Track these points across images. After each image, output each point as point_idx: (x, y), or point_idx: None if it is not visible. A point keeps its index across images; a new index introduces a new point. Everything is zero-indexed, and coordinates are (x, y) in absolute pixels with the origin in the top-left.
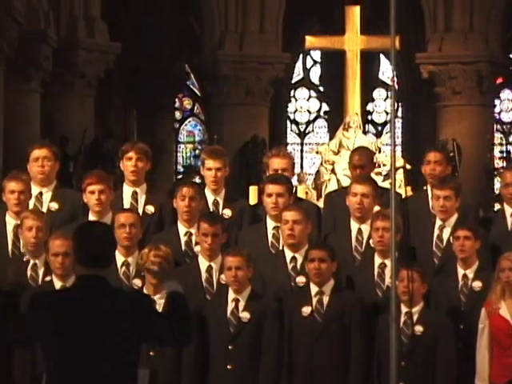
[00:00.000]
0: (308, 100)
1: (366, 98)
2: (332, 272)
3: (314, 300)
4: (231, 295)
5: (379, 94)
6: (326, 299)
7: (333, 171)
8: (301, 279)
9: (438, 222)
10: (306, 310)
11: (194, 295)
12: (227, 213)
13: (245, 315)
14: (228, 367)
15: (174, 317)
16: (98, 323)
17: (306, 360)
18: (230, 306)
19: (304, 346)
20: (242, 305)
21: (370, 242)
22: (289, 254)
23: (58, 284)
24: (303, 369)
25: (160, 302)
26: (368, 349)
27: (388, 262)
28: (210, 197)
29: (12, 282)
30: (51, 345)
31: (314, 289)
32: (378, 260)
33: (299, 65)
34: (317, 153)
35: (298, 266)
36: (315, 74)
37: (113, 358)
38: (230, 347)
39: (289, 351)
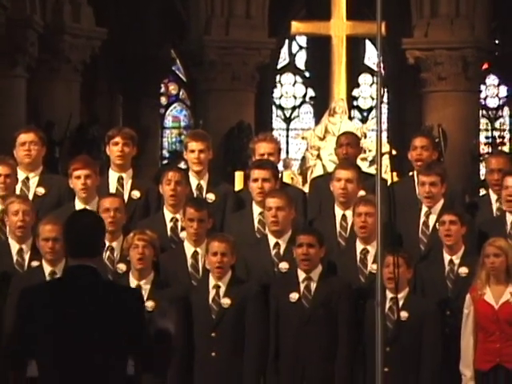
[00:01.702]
0: (294, 85)
1: (352, 83)
2: (320, 258)
3: (302, 286)
4: (212, 282)
5: (365, 79)
6: (313, 285)
7: (318, 157)
8: (284, 265)
9: (424, 209)
10: (294, 296)
11: (179, 281)
12: (210, 197)
13: (226, 301)
14: (212, 354)
15: (157, 349)
16: (86, 315)
17: (294, 346)
18: (212, 292)
19: (291, 331)
20: (222, 291)
21: (356, 227)
22: (272, 240)
23: (47, 269)
24: (290, 354)
25: (146, 288)
26: (355, 334)
27: (370, 248)
28: (193, 181)
29: None
30: (43, 337)
31: (301, 275)
32: (359, 246)
33: (285, 50)
34: (302, 138)
35: (281, 252)
36: (301, 60)
37: (103, 350)
38: (212, 334)
39: (276, 337)
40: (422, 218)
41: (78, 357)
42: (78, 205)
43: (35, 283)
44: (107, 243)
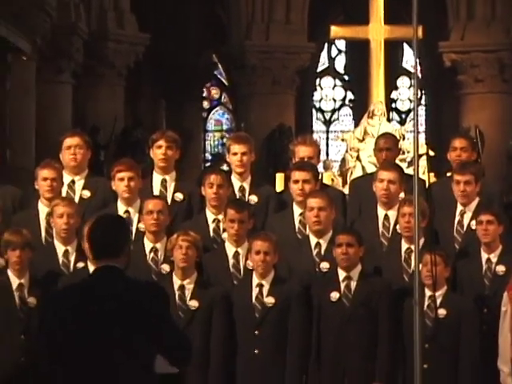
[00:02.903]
0: (333, 89)
1: (390, 86)
2: (359, 257)
3: (342, 285)
4: (255, 280)
5: (403, 82)
6: (353, 284)
7: (358, 158)
8: (325, 265)
9: (459, 208)
10: (334, 295)
11: (221, 281)
12: (253, 199)
13: (269, 300)
14: (255, 352)
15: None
16: (109, 313)
17: (335, 344)
18: (255, 291)
19: (332, 330)
20: (266, 290)
21: (397, 227)
22: (313, 240)
23: (92, 269)
24: (331, 353)
25: (189, 287)
26: (395, 333)
27: (413, 247)
28: (236, 183)
29: None
30: (69, 338)
31: (341, 274)
32: (404, 245)
33: (324, 54)
34: (342, 140)
35: (323, 252)
36: (340, 63)
37: (125, 349)
38: (256, 332)
39: (317, 335)
40: (457, 217)
41: (99, 356)
42: (121, 206)
43: (61, 288)
44: (151, 245)
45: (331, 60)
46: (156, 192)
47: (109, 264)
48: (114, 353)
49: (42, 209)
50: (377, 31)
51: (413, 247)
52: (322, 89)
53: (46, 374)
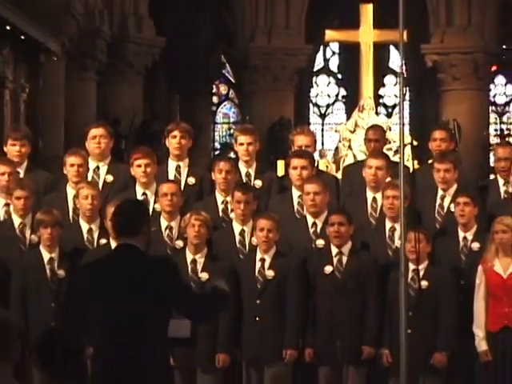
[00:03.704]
0: (328, 86)
1: (378, 83)
2: (350, 234)
3: (335, 260)
4: (258, 255)
5: (389, 80)
6: (345, 259)
7: (349, 147)
8: (320, 242)
9: (440, 192)
10: (328, 268)
11: (229, 255)
12: (258, 183)
13: (269, 273)
14: (257, 319)
15: (208, 299)
16: (129, 285)
17: (328, 312)
18: (258, 265)
19: (326, 300)
20: (267, 263)
21: (384, 208)
22: (310, 220)
23: (114, 245)
24: (325, 319)
25: (200, 261)
26: (381, 302)
27: (397, 226)
28: (243, 169)
29: None
30: (95, 305)
31: (334, 250)
32: (388, 224)
33: (320, 55)
34: (335, 131)
35: (318, 231)
36: (334, 63)
37: (145, 317)
38: (257, 301)
39: (313, 305)
40: (438, 201)
41: (122, 323)
42: (139, 190)
43: (88, 262)
44: (166, 223)
45: (326, 60)
46: (171, 177)
47: (128, 242)
48: (131, 317)
49: (70, 191)
50: (366, 35)
51: (396, 226)
52: (317, 86)
53: (73, 335)
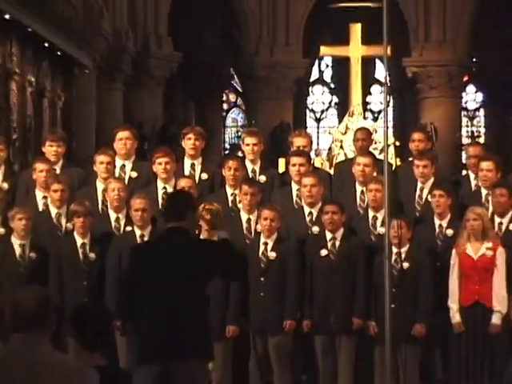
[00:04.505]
0: (322, 94)
1: (366, 92)
2: (342, 222)
3: (329, 244)
4: (262, 240)
5: (375, 89)
6: (337, 243)
7: (341, 147)
8: (315, 229)
9: (419, 185)
10: (323, 252)
11: (237, 241)
12: (262, 178)
13: (272, 254)
14: (261, 294)
15: (232, 261)
16: (178, 258)
17: (323, 289)
18: (261, 248)
19: (321, 279)
20: (270, 247)
21: (371, 200)
22: (307, 210)
23: (137, 232)
24: (321, 296)
25: None
26: (368, 280)
27: (379, 215)
28: (249, 166)
29: None
30: (149, 277)
31: (328, 235)
32: (371, 213)
33: (315, 68)
34: (329, 133)
35: (314, 219)
36: (327, 75)
37: (191, 287)
38: (262, 279)
39: (310, 283)
40: (417, 192)
41: (172, 292)
42: (160, 184)
43: (143, 242)
44: None
45: (320, 72)
46: (186, 173)
47: (177, 225)
48: (180, 284)
49: (99, 186)
50: (355, 50)
51: (378, 215)
52: (313, 94)
53: (126, 306)
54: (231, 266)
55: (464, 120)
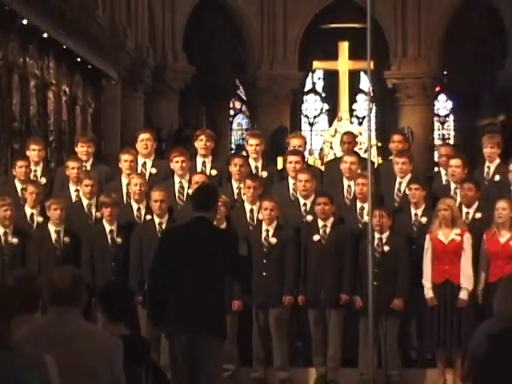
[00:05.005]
0: (315, 102)
1: (352, 100)
2: (332, 212)
3: (321, 231)
4: (264, 227)
5: (360, 98)
6: (328, 230)
7: (331, 148)
8: (309, 217)
9: (398, 180)
10: (316, 237)
11: (242, 228)
12: (263, 174)
13: (273, 240)
14: (263, 274)
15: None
16: (201, 244)
17: (316, 270)
18: (263, 234)
19: (314, 261)
20: (271, 233)
21: (356, 192)
22: (302, 201)
23: (156, 220)
24: (313, 276)
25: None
26: (355, 262)
27: (366, 206)
28: (252, 164)
29: None
30: (175, 260)
31: (320, 223)
32: (358, 204)
33: (309, 79)
34: (320, 136)
35: (308, 209)
36: (319, 86)
37: (214, 275)
38: (264, 261)
39: (304, 265)
40: (396, 186)
41: (195, 273)
42: (176, 179)
43: (174, 227)
44: None
45: (313, 83)
46: (198, 169)
47: (202, 215)
48: (204, 272)
49: (124, 180)
50: (343, 64)
51: (364, 205)
52: (307, 102)
53: (156, 286)
54: (241, 277)
55: (436, 124)
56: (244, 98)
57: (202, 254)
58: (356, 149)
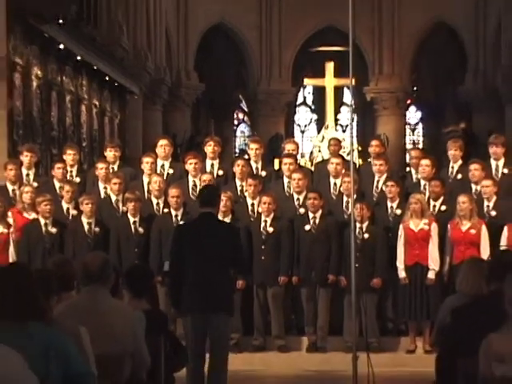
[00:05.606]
0: (306, 113)
1: (337, 111)
2: (321, 205)
3: (311, 221)
4: (263, 218)
5: (344, 109)
6: (318, 221)
7: (319, 151)
8: (302, 210)
9: (376, 178)
10: (307, 227)
11: (244, 220)
12: (263, 174)
13: (270, 229)
14: (262, 258)
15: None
16: (209, 237)
17: (307, 255)
18: (262, 224)
19: (306, 247)
20: (268, 223)
21: (341, 189)
22: (295, 197)
23: (173, 213)
24: (305, 260)
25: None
26: (340, 247)
27: (349, 200)
28: (253, 165)
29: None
30: (186, 251)
31: (310, 215)
32: (345, 198)
33: (301, 94)
34: (311, 141)
35: (300, 203)
36: (309, 99)
37: (220, 261)
38: (263, 247)
39: (297, 250)
40: (375, 183)
41: (205, 263)
42: (190, 179)
43: (184, 223)
44: None
45: (304, 97)
46: (208, 170)
47: (208, 210)
48: (212, 258)
49: (145, 179)
50: (330, 81)
51: (348, 200)
52: (299, 113)
53: (175, 272)
54: (239, 263)
55: (407, 131)
56: (246, 109)
57: (211, 244)
58: (340, 152)
